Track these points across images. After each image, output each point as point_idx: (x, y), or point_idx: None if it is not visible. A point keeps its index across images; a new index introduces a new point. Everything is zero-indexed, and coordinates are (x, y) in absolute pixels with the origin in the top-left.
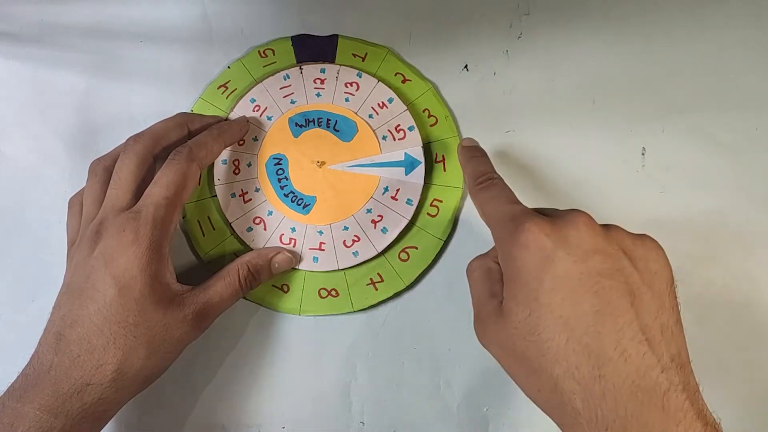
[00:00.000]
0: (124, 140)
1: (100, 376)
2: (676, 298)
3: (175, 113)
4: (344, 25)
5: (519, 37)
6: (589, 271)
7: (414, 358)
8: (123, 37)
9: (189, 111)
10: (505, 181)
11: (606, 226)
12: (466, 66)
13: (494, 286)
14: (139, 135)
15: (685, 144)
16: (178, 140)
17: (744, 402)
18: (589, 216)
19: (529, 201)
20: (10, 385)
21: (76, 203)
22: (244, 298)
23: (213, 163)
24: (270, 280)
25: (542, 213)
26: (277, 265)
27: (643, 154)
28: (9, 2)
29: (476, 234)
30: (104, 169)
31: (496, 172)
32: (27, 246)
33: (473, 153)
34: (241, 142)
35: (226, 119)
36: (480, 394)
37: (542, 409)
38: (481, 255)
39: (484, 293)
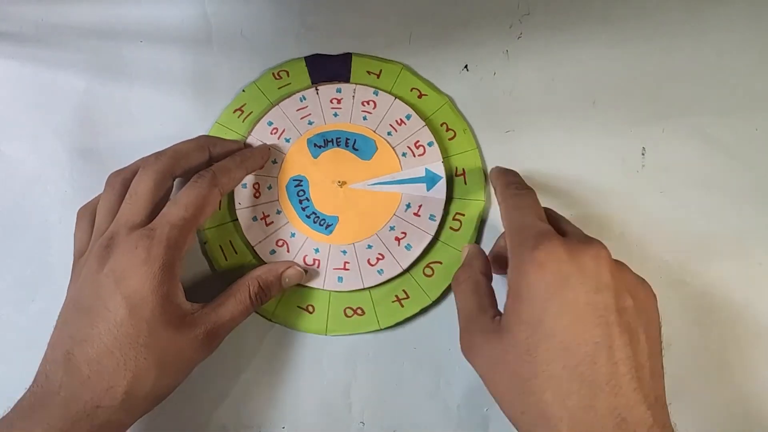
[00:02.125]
0: (144, 156)
1: (110, 399)
2: (661, 344)
3: (175, 114)
4: (344, 25)
5: (519, 38)
6: (597, 303)
7: (414, 359)
8: (123, 37)
9: (206, 133)
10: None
11: (617, 264)
12: (466, 66)
13: (483, 299)
14: (160, 153)
15: (685, 144)
16: (198, 162)
17: (745, 401)
18: (608, 251)
19: None
20: (17, 402)
21: (86, 214)
22: (269, 320)
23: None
24: (295, 301)
25: (565, 229)
26: (287, 280)
27: (643, 154)
28: (9, 2)
29: None
30: (122, 183)
31: (528, 186)
32: (27, 246)
33: (506, 171)
34: None
35: (245, 144)
36: (480, 395)
37: None
38: (466, 265)
39: (473, 307)
